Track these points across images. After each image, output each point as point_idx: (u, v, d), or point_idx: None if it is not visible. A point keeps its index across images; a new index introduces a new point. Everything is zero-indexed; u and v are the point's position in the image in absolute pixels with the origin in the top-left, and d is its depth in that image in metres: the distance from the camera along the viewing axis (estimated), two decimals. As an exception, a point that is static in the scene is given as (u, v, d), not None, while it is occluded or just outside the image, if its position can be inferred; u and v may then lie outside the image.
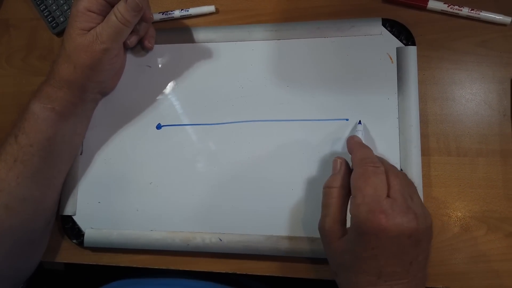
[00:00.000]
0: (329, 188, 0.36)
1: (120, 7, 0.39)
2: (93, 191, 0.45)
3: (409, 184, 0.35)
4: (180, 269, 0.44)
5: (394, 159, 0.40)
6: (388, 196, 0.32)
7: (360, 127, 0.41)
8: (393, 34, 0.43)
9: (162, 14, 0.48)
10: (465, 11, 0.42)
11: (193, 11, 0.47)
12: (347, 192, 0.35)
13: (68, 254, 0.46)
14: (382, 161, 0.35)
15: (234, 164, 0.43)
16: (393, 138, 0.41)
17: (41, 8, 0.50)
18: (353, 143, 0.38)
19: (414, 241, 0.32)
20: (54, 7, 0.49)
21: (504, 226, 0.40)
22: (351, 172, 0.35)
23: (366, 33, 0.43)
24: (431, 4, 0.43)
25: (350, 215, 0.33)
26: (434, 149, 0.42)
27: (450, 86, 0.42)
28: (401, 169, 0.40)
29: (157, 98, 0.46)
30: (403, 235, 0.31)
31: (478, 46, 0.42)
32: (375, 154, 0.37)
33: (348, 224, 0.34)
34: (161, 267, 0.44)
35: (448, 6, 0.42)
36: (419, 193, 0.39)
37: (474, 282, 0.39)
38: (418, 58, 0.42)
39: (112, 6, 0.40)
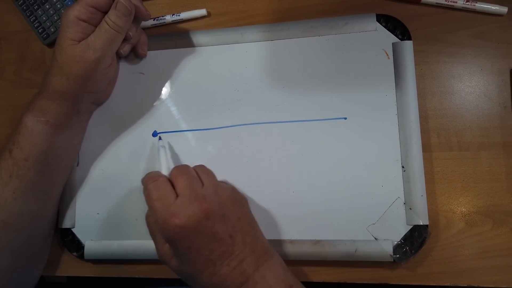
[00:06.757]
0: (147, 217, 0.37)
1: (110, 15, 0.39)
2: (92, 202, 0.45)
3: (204, 171, 0.38)
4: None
5: (395, 156, 0.40)
6: (177, 196, 0.34)
7: (160, 143, 0.43)
8: (388, 30, 0.42)
9: (154, 20, 0.47)
10: (460, 3, 0.41)
11: (184, 15, 0.47)
12: None
13: (68, 267, 0.46)
14: (178, 168, 0.37)
15: (232, 168, 0.43)
16: (393, 135, 0.40)
17: (31, 20, 0.49)
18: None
19: (217, 218, 0.33)
20: (44, 18, 0.49)
21: (509, 220, 0.39)
22: None
23: (361, 30, 0.42)
24: (426, -3, 0.42)
25: None
26: (435, 144, 0.41)
27: (448, 80, 0.42)
28: (403, 166, 0.39)
29: (152, 105, 0.45)
30: (202, 219, 0.33)
31: (475, 38, 0.42)
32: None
33: None
34: (164, 277, 0.43)
35: (443, -1, 0.42)
36: (422, 190, 0.39)
37: (482, 278, 0.39)
38: (414, 52, 0.41)
39: (102, 13, 0.39)
